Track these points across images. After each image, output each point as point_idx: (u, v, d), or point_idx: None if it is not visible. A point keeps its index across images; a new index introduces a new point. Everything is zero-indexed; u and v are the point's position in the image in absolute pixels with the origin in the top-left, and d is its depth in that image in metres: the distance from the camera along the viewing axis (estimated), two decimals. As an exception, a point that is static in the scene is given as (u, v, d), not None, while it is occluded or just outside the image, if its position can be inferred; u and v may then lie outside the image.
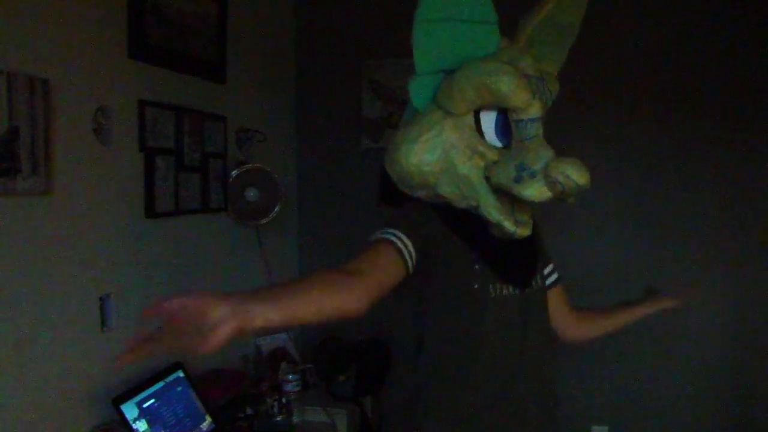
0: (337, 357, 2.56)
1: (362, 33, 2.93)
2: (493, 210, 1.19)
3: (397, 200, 1.31)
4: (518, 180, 1.15)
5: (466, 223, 1.25)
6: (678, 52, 2.64)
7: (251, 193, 2.42)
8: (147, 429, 1.74)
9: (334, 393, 2.43)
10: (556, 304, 1.44)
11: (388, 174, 1.30)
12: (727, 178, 2.66)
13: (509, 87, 1.15)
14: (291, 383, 2.29)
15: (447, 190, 1.22)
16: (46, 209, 1.61)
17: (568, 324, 1.49)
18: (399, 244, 1.17)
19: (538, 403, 1.31)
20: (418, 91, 1.27)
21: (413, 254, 1.18)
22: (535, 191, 1.13)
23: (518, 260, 1.31)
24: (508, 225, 1.19)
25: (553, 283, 1.44)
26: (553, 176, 1.10)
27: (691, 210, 2.69)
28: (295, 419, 2.20)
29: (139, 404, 1.75)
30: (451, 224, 1.26)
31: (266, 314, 0.87)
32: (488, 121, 1.21)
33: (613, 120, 2.67)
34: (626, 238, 2.74)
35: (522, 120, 1.17)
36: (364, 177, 2.94)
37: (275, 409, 2.18)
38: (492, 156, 1.19)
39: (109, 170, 1.82)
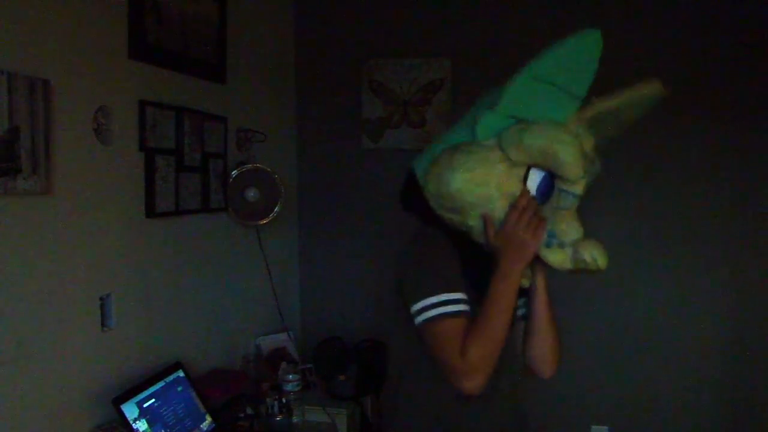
0: (337, 357, 2.56)
1: (362, 33, 2.93)
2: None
3: (417, 208, 1.36)
4: (548, 245, 1.26)
5: (471, 255, 1.32)
6: (678, 52, 2.64)
7: (251, 193, 2.42)
8: (147, 429, 1.74)
9: (334, 393, 2.44)
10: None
11: (414, 180, 1.36)
12: (727, 179, 2.66)
13: (571, 160, 1.23)
14: (291, 383, 2.29)
15: (475, 223, 1.29)
16: (46, 209, 1.61)
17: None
18: (465, 308, 1.27)
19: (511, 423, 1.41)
20: (488, 124, 1.30)
21: (468, 301, 1.27)
22: (560, 260, 1.26)
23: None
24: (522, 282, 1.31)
25: (521, 317, 1.45)
26: (582, 255, 1.23)
27: (690, 211, 2.69)
28: (295, 419, 2.20)
29: (139, 404, 1.75)
30: (461, 255, 1.32)
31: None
32: (536, 177, 1.28)
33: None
34: (626, 239, 2.73)
35: (566, 191, 1.26)
36: (364, 177, 2.94)
37: (275, 409, 2.18)
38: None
39: (109, 170, 1.82)
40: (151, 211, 1.98)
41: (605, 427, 2.75)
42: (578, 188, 1.25)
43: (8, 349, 1.51)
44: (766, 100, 2.60)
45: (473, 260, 1.31)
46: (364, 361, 2.50)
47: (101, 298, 1.80)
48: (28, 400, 1.56)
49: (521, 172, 1.27)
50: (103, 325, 1.81)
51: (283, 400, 2.21)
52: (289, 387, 2.28)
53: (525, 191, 1.28)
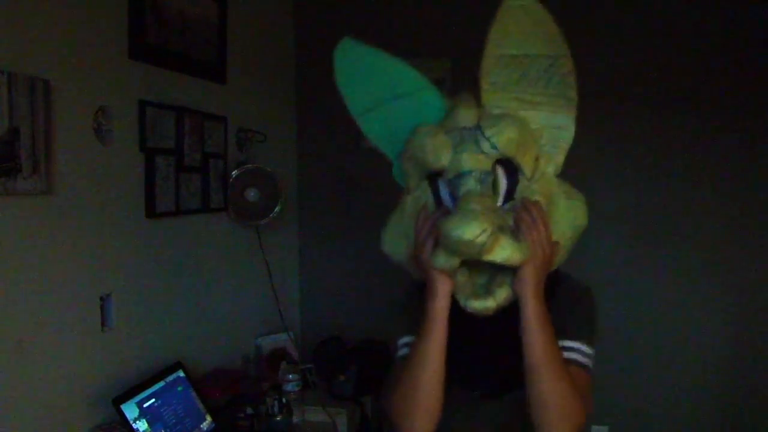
0: (337, 357, 2.56)
1: (362, 33, 2.91)
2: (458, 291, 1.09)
3: None
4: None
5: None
6: (678, 53, 2.64)
7: (251, 193, 2.42)
8: (147, 429, 1.74)
9: (334, 393, 2.44)
10: None
11: None
12: (726, 180, 2.66)
13: (421, 148, 1.08)
14: (291, 383, 2.29)
15: (418, 277, 1.15)
16: (46, 209, 1.61)
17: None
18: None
19: None
20: (399, 176, 1.24)
21: None
22: (440, 258, 1.05)
23: (496, 363, 1.16)
24: (473, 303, 1.07)
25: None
26: (441, 240, 1.02)
27: (690, 212, 2.69)
28: (295, 419, 2.20)
29: (139, 404, 1.75)
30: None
31: None
32: (443, 187, 1.13)
33: (613, 122, 2.67)
34: (625, 240, 2.74)
35: (451, 179, 1.08)
36: (364, 177, 2.94)
37: (275, 409, 2.18)
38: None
39: (109, 170, 1.82)
40: (151, 211, 1.98)
41: (605, 427, 2.75)
42: (457, 167, 1.06)
43: (8, 349, 1.51)
44: (767, 101, 2.59)
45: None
46: (364, 361, 2.50)
47: (101, 298, 1.80)
48: (28, 400, 1.56)
49: (428, 193, 1.15)
50: (103, 325, 1.81)
51: (283, 400, 2.21)
52: (289, 387, 2.28)
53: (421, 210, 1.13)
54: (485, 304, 1.07)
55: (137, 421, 1.72)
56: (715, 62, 2.62)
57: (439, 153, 1.08)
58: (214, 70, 2.33)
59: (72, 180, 1.68)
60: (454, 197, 1.09)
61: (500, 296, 1.07)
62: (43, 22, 1.59)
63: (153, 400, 1.81)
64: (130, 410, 1.72)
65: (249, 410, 2.12)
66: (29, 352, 1.56)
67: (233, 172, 2.39)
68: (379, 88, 1.18)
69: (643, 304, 2.75)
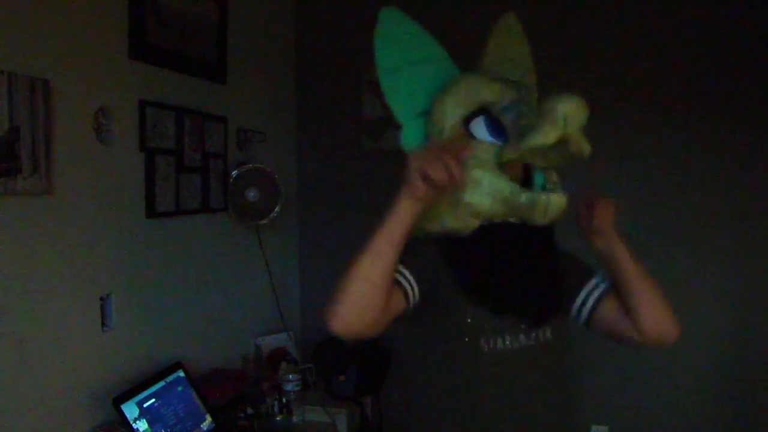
0: (337, 357, 2.56)
1: (362, 33, 2.91)
2: (522, 193, 1.17)
3: None
4: (523, 138, 1.13)
5: (466, 264, 1.22)
6: (678, 52, 2.64)
7: (251, 194, 2.42)
8: (147, 429, 1.74)
9: (334, 393, 2.44)
10: (616, 312, 1.29)
11: None
12: (726, 178, 2.65)
13: (477, 82, 1.19)
14: (291, 383, 2.29)
15: (452, 224, 1.22)
16: (46, 209, 1.61)
17: (633, 325, 1.29)
18: (405, 284, 1.18)
19: None
20: (409, 139, 1.28)
21: (416, 295, 1.19)
22: (540, 135, 1.11)
23: (523, 305, 1.24)
24: (543, 197, 1.16)
25: (602, 295, 1.31)
26: (552, 116, 1.10)
27: (689, 213, 2.69)
28: (295, 419, 2.20)
29: (139, 404, 1.75)
30: (453, 267, 1.22)
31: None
32: (479, 125, 1.22)
33: (613, 119, 2.67)
34: (624, 238, 2.73)
35: (504, 107, 1.19)
36: (364, 177, 2.94)
37: (275, 409, 2.18)
38: (489, 153, 1.20)
39: (109, 170, 1.82)
40: (151, 211, 1.99)
41: (605, 427, 2.75)
42: (507, 98, 1.20)
43: (8, 349, 1.51)
44: (766, 100, 2.59)
45: (468, 265, 1.22)
46: (364, 361, 2.50)
47: (101, 298, 1.80)
48: (29, 400, 1.56)
49: (462, 132, 1.22)
50: (103, 325, 1.81)
51: (283, 400, 2.21)
52: (289, 387, 2.29)
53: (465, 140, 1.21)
54: (560, 201, 1.19)
55: (137, 421, 1.72)
56: (715, 61, 2.62)
57: (491, 85, 1.20)
58: (214, 70, 2.33)
59: (72, 180, 1.68)
60: (500, 134, 1.19)
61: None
62: (43, 22, 1.59)
63: (153, 400, 1.81)
64: (130, 410, 1.72)
65: (249, 410, 2.12)
66: (29, 352, 1.56)
67: (233, 172, 2.39)
68: (410, 52, 1.28)
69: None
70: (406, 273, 1.18)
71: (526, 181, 1.22)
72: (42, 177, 1.56)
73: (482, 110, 1.22)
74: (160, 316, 2.06)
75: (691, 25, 2.64)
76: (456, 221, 1.22)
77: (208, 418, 1.97)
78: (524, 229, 1.22)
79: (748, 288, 2.67)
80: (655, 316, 1.26)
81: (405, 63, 1.26)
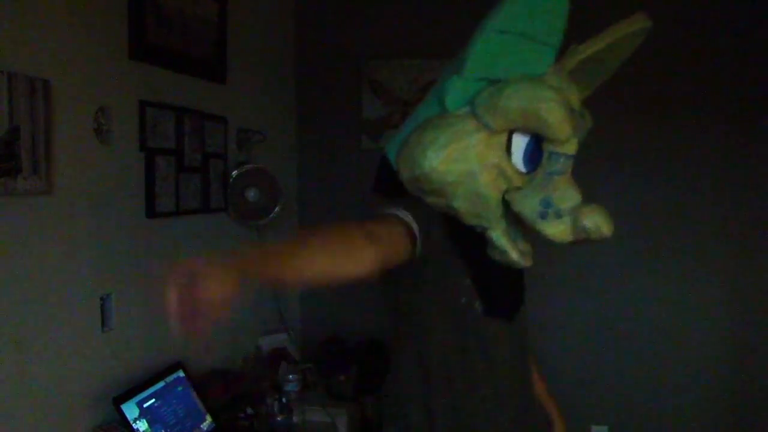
0: (337, 357, 2.56)
1: (362, 33, 2.93)
2: (503, 237, 1.14)
3: (394, 192, 1.23)
4: (543, 216, 1.09)
5: (465, 239, 1.20)
6: (678, 53, 2.64)
7: (251, 193, 2.42)
8: (147, 429, 1.74)
9: (334, 393, 2.44)
10: None
11: (388, 164, 1.23)
12: (726, 178, 2.66)
13: (557, 118, 1.08)
14: (291, 383, 2.29)
15: (461, 205, 1.14)
16: (47, 209, 1.61)
17: None
18: (412, 225, 1.13)
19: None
20: (457, 92, 1.15)
21: (419, 241, 1.13)
22: (559, 232, 1.08)
23: (506, 292, 1.30)
24: (515, 255, 1.14)
25: None
26: (584, 223, 1.06)
27: (690, 211, 2.69)
28: (295, 419, 2.20)
29: (139, 404, 1.75)
30: (452, 235, 1.21)
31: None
32: (520, 143, 1.14)
33: (612, 119, 2.67)
34: (624, 242, 2.73)
35: (557, 153, 1.11)
36: (364, 177, 2.93)
37: (275, 409, 2.18)
38: (517, 181, 1.13)
39: (109, 170, 1.82)
40: (151, 211, 1.98)
41: (605, 427, 2.75)
42: (569, 148, 1.10)
43: (8, 349, 1.51)
44: (765, 101, 2.60)
45: (466, 240, 1.19)
46: (364, 361, 2.50)
47: (101, 298, 1.80)
48: (29, 400, 1.56)
49: (502, 139, 1.12)
50: (103, 325, 1.81)
51: (283, 400, 2.21)
52: (289, 387, 2.28)
53: None
54: (529, 263, 1.16)
55: (137, 421, 1.72)
56: (714, 61, 2.62)
57: (568, 129, 1.09)
58: (214, 70, 2.33)
59: (72, 180, 1.68)
60: (534, 162, 1.13)
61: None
62: (43, 22, 1.59)
63: (153, 400, 1.81)
64: (130, 410, 1.72)
65: (249, 410, 2.12)
66: (29, 352, 1.56)
67: (233, 172, 2.39)
68: (533, 21, 1.12)
69: (642, 305, 2.75)
70: (410, 219, 1.14)
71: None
72: (42, 177, 1.56)
73: (537, 134, 1.14)
74: (160, 316, 2.05)
75: (690, 26, 2.64)
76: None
77: (208, 418, 1.97)
78: None
79: (748, 288, 2.67)
80: None
81: (517, 31, 1.11)
